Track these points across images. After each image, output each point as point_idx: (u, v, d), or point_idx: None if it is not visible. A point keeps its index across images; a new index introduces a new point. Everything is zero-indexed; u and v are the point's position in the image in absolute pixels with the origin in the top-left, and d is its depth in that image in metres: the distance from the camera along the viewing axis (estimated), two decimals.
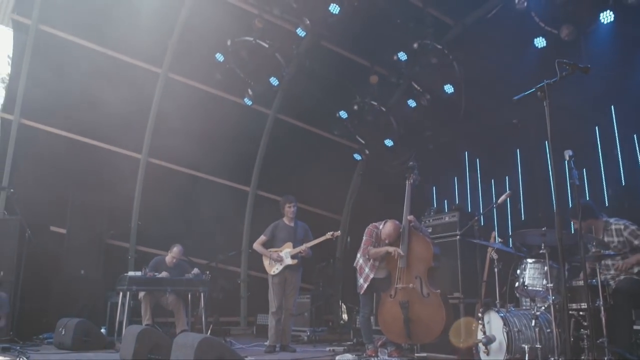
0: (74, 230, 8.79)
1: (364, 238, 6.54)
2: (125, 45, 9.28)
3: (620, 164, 7.68)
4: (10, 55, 9.58)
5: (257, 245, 7.44)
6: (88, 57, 9.19)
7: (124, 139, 9.77)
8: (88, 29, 9.09)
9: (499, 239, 6.02)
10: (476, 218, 6.06)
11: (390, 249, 6.17)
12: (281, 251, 7.22)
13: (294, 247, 7.19)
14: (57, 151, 9.15)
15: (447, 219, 7.20)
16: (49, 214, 8.91)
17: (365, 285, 6.49)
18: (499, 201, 5.99)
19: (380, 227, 6.46)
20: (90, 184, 9.15)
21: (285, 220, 7.47)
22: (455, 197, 10.24)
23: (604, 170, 7.87)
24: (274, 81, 9.50)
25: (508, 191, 6.16)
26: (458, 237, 6.88)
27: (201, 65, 9.59)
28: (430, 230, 7.12)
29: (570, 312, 4.59)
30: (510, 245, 6.69)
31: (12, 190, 8.16)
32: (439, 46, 8.63)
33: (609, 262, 5.19)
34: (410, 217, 6.27)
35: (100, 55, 9.31)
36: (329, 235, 7.19)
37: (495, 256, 5.59)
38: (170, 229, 9.44)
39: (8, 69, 9.53)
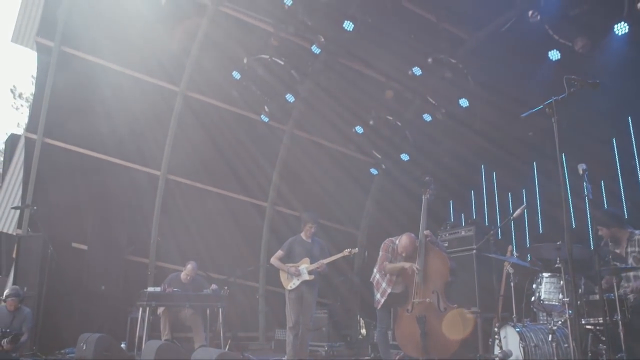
0: (95, 246, 8.94)
1: (380, 253, 6.55)
2: (145, 64, 9.49)
3: (639, 175, 7.61)
4: (34, 76, 9.83)
5: (274, 260, 7.48)
6: (109, 77, 9.40)
7: (143, 156, 9.94)
8: (108, 49, 9.31)
9: (515, 253, 5.99)
10: (492, 232, 6.06)
11: (406, 264, 6.17)
12: (298, 266, 7.25)
13: (311, 262, 7.22)
14: (79, 169, 9.34)
15: (463, 233, 7.20)
16: (70, 230, 9.07)
17: (383, 300, 6.49)
18: (515, 215, 5.98)
19: (397, 241, 6.47)
20: (110, 200, 9.30)
21: (303, 236, 7.51)
22: (472, 210, 10.21)
23: (622, 182, 7.80)
24: (289, 98, 9.62)
25: (524, 204, 6.14)
26: (474, 251, 6.86)
27: (218, 83, 9.76)
28: (446, 244, 7.12)
29: (588, 326, 4.54)
30: (529, 259, 6.65)
31: (35, 207, 8.36)
32: (453, 60, 8.67)
33: (631, 274, 5.13)
34: (427, 232, 6.27)
35: (120, 75, 9.52)
36: (346, 252, 7.21)
37: (511, 270, 5.57)
38: (189, 245, 9.55)
39: (32, 89, 9.78)
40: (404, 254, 6.32)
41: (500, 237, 8.65)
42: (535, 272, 5.33)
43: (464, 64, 8.74)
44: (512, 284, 5.45)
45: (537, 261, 5.72)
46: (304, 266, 7.23)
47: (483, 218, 9.68)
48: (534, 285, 5.15)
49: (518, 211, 5.93)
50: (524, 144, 8.75)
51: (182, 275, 8.11)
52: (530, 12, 7.56)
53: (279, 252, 7.46)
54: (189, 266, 8.12)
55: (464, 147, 9.92)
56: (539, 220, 8.78)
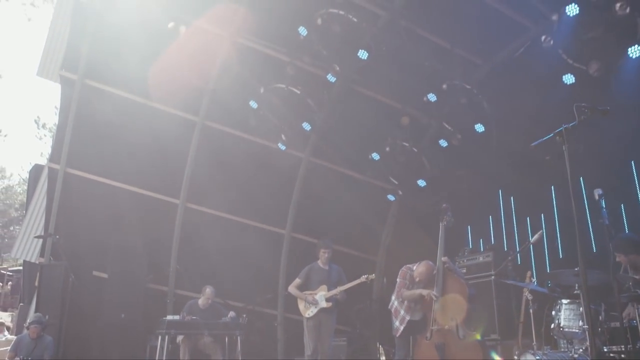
0: (115, 274, 9.03)
1: (398, 281, 6.54)
2: (164, 95, 9.70)
3: None
4: (58, 107, 10.10)
5: (292, 288, 7.51)
6: (129, 108, 9.63)
7: (163, 185, 10.09)
8: (129, 81, 9.55)
9: (534, 279, 5.93)
10: (510, 258, 6.03)
11: (424, 291, 6.15)
12: (316, 294, 7.26)
13: (329, 289, 7.22)
14: (100, 198, 9.51)
15: (481, 259, 7.16)
16: (91, 259, 9.20)
17: (402, 328, 6.45)
18: (533, 241, 5.95)
19: (414, 267, 6.46)
20: (130, 229, 9.43)
21: (320, 263, 7.53)
22: (490, 236, 10.13)
23: None
24: (306, 126, 9.73)
25: (542, 230, 6.11)
26: (492, 277, 6.80)
27: (236, 112, 9.92)
28: (464, 270, 7.09)
29: (611, 354, 4.47)
30: (549, 285, 6.56)
31: (57, 236, 8.53)
32: (467, 86, 8.73)
33: None
34: (445, 259, 6.26)
35: (140, 105, 9.73)
36: (363, 278, 7.21)
37: (530, 297, 5.52)
38: (208, 273, 9.60)
39: (55, 120, 10.08)
40: (418, 280, 6.31)
41: (519, 263, 8.57)
42: (555, 299, 5.28)
43: (479, 90, 8.79)
44: (531, 310, 5.40)
45: (556, 287, 5.65)
46: (322, 294, 7.23)
47: (501, 243, 9.59)
48: (554, 312, 5.09)
49: (536, 237, 5.90)
50: (541, 168, 8.69)
51: (201, 301, 8.17)
52: (543, 37, 7.62)
53: (297, 280, 7.49)
54: (207, 290, 8.20)
55: (481, 172, 9.89)
56: (559, 245, 8.68)
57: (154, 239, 9.65)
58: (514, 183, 9.76)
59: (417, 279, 6.29)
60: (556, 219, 8.93)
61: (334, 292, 7.19)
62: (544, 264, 8.80)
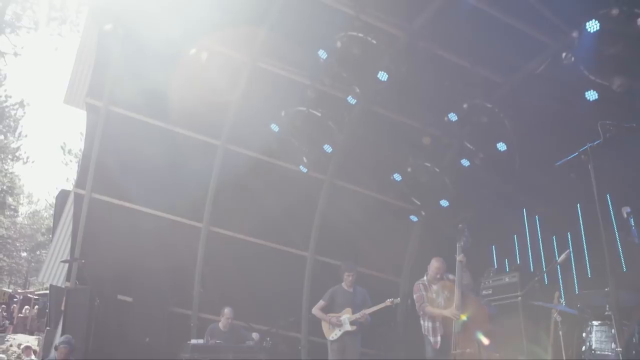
0: (139, 298, 9.10)
1: (415, 296, 6.46)
2: (187, 120, 9.85)
3: None
4: (83, 133, 10.33)
5: (315, 310, 7.46)
6: (152, 133, 9.79)
7: (186, 208, 10.17)
8: (151, 107, 9.72)
9: (563, 300, 5.81)
10: (537, 278, 5.92)
11: (446, 312, 6.04)
12: (340, 316, 7.19)
13: (353, 312, 7.16)
14: (124, 222, 9.63)
15: (507, 279, 7.04)
16: (116, 283, 9.27)
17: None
18: (560, 260, 5.85)
19: (425, 277, 6.41)
20: (154, 253, 9.51)
21: (344, 285, 7.48)
22: (516, 256, 9.96)
23: None
24: (327, 148, 9.75)
25: (569, 249, 5.99)
26: (519, 298, 6.67)
27: (258, 135, 10.01)
28: (490, 291, 6.97)
29: None
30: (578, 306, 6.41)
31: (83, 261, 8.63)
32: (488, 105, 8.68)
33: None
34: (461, 257, 6.09)
35: (162, 130, 9.89)
36: (388, 302, 7.15)
37: (559, 318, 5.39)
38: (231, 296, 9.59)
39: (80, 145, 10.30)
40: (438, 276, 6.23)
41: (546, 283, 8.39)
42: (585, 320, 5.15)
43: (500, 108, 8.73)
44: (561, 332, 5.28)
45: (586, 308, 5.52)
46: (346, 316, 7.18)
47: (527, 263, 9.42)
48: (584, 334, 4.98)
49: (562, 256, 5.79)
50: (567, 185, 8.55)
51: (221, 323, 8.18)
52: (564, 54, 7.56)
53: (321, 302, 7.44)
54: (226, 310, 8.24)
55: (504, 191, 9.77)
56: (587, 265, 8.49)
57: (178, 263, 9.71)
58: (538, 201, 9.61)
59: (438, 276, 6.21)
60: (583, 238, 8.75)
61: (358, 315, 7.13)
62: (572, 285, 8.59)
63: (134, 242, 9.56)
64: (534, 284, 5.73)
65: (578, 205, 8.98)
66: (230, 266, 10.19)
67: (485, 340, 5.63)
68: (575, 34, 7.28)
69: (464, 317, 5.85)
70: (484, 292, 7.67)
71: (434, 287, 6.28)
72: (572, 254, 7.72)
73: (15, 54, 18.92)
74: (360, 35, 8.16)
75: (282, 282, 10.53)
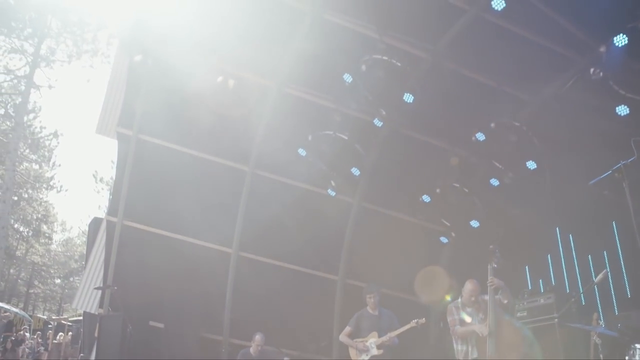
0: (171, 324, 9.15)
1: (448, 319, 6.34)
2: (215, 147, 10.00)
3: None
4: (114, 161, 10.57)
5: (342, 337, 7.40)
6: (182, 160, 9.96)
7: (215, 234, 10.24)
8: (180, 134, 9.91)
9: (602, 322, 5.63)
10: (573, 299, 5.75)
11: (476, 327, 5.90)
12: (366, 341, 7.11)
13: (379, 336, 7.07)
14: (155, 249, 9.75)
15: (542, 301, 6.86)
16: (148, 309, 9.36)
17: None
18: (597, 280, 5.69)
19: (458, 299, 6.29)
20: (185, 279, 9.58)
21: (369, 309, 7.41)
22: (550, 276, 9.72)
23: None
24: (355, 171, 9.76)
25: (606, 269, 5.83)
26: (556, 320, 6.48)
27: (285, 160, 10.07)
28: (525, 313, 6.79)
29: None
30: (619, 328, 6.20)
31: (115, 287, 8.75)
32: (516, 123, 8.59)
33: None
34: (493, 279, 5.94)
35: (192, 157, 10.05)
36: (413, 323, 7.05)
37: (598, 341, 5.22)
38: (262, 320, 9.57)
39: (111, 173, 10.54)
40: (473, 299, 6.10)
41: (584, 304, 8.16)
42: (627, 343, 4.98)
43: (528, 126, 8.63)
44: (601, 356, 5.10)
45: (627, 330, 5.33)
46: (372, 340, 7.09)
47: (563, 284, 9.16)
48: (627, 358, 4.80)
49: (600, 276, 5.63)
50: (600, 203, 8.36)
51: (252, 349, 8.20)
52: (592, 70, 7.47)
53: (347, 328, 7.38)
54: (257, 337, 8.27)
55: (536, 210, 9.60)
56: (626, 284, 8.23)
57: (208, 288, 9.76)
58: (571, 220, 9.40)
59: (472, 298, 6.08)
60: (620, 256, 8.51)
61: (384, 338, 7.04)
62: (611, 305, 8.33)
63: (165, 269, 9.65)
64: (571, 305, 5.56)
65: (614, 223, 8.75)
66: (261, 291, 10.19)
67: None
68: (602, 49, 7.20)
69: (486, 330, 5.69)
70: (519, 314, 7.50)
71: (468, 309, 6.16)
72: (609, 273, 7.52)
73: (50, 87, 19.58)
74: (385, 58, 8.19)
75: (313, 306, 10.47)
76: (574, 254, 9.43)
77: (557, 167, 8.64)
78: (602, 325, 5.47)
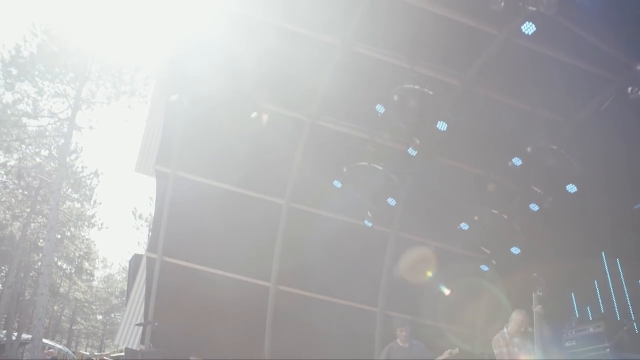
0: (211, 359, 9.14)
1: (495, 352, 6.16)
2: (250, 181, 10.11)
3: None
4: (152, 197, 10.79)
5: None
6: (218, 196, 10.08)
7: (254, 269, 10.28)
8: (216, 170, 10.07)
9: None
10: (625, 328, 5.51)
11: (522, 357, 5.71)
12: None
13: None
14: (196, 284, 9.83)
15: (591, 329, 6.61)
16: (189, 344, 9.40)
17: None
18: None
19: (504, 329, 6.11)
20: (224, 313, 9.61)
21: (399, 341, 7.28)
22: (598, 303, 9.34)
23: None
24: (391, 201, 9.72)
25: None
26: (607, 350, 6.22)
27: (321, 193, 10.11)
28: (574, 343, 6.54)
29: None
30: None
31: (156, 323, 8.83)
32: (553, 146, 8.44)
33: None
34: (538, 308, 5.77)
35: (229, 192, 10.18)
36: (446, 354, 6.90)
37: None
38: (302, 355, 9.49)
39: (150, 209, 10.75)
40: (522, 329, 5.91)
41: (637, 332, 7.81)
42: None
43: (566, 149, 8.46)
44: None
45: None
46: None
47: (612, 311, 8.80)
48: None
49: None
50: None
51: None
52: (630, 88, 7.33)
53: None
54: None
55: (580, 234, 9.32)
56: None
57: (249, 323, 9.74)
58: (617, 244, 9.08)
59: (522, 329, 5.89)
60: None
61: None
62: None
63: (205, 303, 9.71)
64: (623, 333, 5.33)
65: None
66: (300, 324, 10.13)
67: None
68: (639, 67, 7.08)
69: None
70: (567, 344, 7.22)
71: (516, 340, 5.97)
72: None
73: (91, 128, 20.23)
74: (416, 87, 8.23)
75: (352, 339, 10.32)
76: (622, 279, 9.07)
77: (599, 190, 8.41)
78: None
